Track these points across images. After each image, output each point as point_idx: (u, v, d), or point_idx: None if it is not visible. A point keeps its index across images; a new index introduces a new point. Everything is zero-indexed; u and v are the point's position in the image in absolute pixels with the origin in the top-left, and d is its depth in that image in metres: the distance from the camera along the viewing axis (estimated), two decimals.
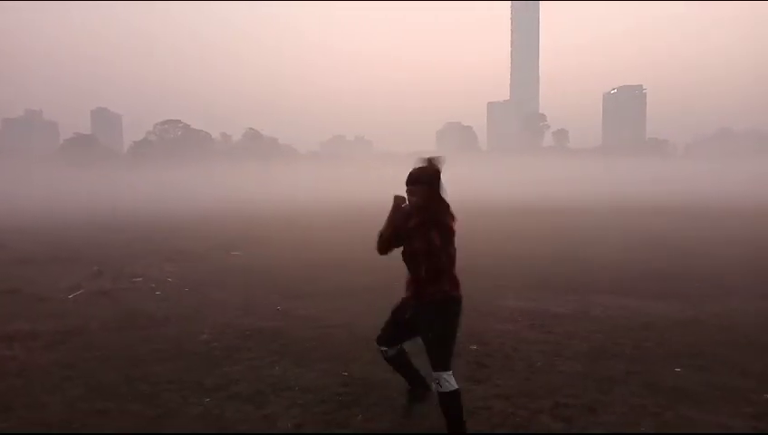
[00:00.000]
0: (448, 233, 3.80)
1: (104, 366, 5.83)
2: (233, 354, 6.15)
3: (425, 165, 3.92)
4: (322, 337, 6.76)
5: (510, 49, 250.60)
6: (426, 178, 3.86)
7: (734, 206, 33.40)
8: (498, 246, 15.46)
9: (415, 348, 4.44)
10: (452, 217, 3.86)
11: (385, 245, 4.08)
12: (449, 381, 3.84)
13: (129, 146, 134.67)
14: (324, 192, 63.36)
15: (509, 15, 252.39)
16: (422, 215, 3.86)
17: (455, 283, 3.93)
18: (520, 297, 8.68)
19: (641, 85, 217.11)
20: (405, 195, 3.97)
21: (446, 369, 3.84)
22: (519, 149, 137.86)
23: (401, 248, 4.07)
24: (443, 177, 3.91)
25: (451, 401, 3.84)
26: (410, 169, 3.93)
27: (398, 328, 4.25)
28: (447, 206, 3.87)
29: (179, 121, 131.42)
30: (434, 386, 3.90)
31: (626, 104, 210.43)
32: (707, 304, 8.19)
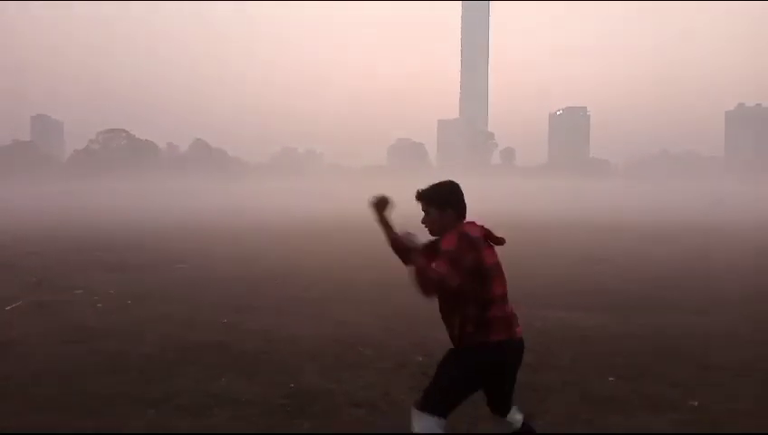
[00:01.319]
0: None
1: (42, 381, 5.69)
2: (176, 368, 6.09)
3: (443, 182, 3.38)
4: (268, 350, 6.77)
5: (460, 68, 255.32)
6: (434, 198, 3.30)
7: (670, 224, 34.82)
8: None
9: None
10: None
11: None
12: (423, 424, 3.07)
13: (71, 154, 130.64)
14: (273, 205, 62.82)
15: (459, 36, 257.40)
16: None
17: (485, 325, 3.15)
18: None
19: (585, 107, 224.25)
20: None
21: (428, 410, 3.09)
22: (468, 167, 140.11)
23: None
24: None
25: None
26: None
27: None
28: (457, 231, 3.18)
29: (123, 130, 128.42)
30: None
31: (570, 125, 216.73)
32: (641, 318, 8.57)
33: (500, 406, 3.36)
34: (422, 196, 3.30)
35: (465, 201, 3.33)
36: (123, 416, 4.80)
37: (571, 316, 8.62)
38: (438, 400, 3.10)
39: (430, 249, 3.24)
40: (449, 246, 3.05)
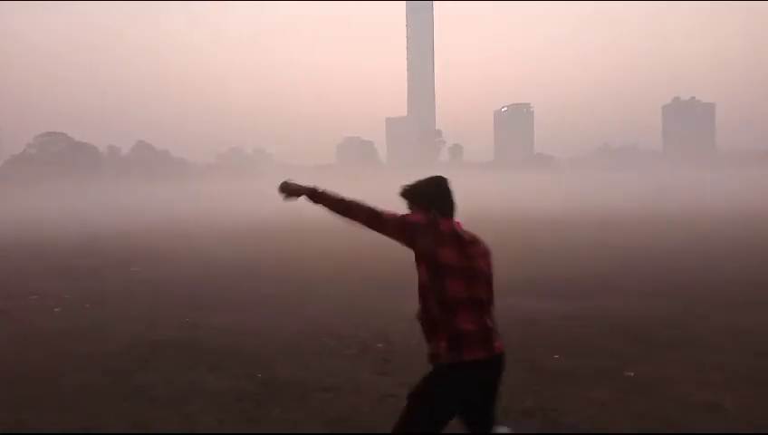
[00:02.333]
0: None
1: (13, 382, 5.80)
2: (145, 365, 6.28)
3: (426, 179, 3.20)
4: (235, 345, 7.01)
5: (407, 66, 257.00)
6: (415, 196, 3.15)
7: (613, 215, 36.23)
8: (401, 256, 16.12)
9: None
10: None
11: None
12: None
13: (6, 160, 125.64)
14: (222, 206, 62.09)
15: (405, 34, 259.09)
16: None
17: (458, 338, 2.89)
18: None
19: (529, 103, 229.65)
20: None
21: None
22: (417, 164, 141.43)
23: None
24: None
25: None
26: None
27: None
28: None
29: (62, 134, 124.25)
30: None
31: (515, 121, 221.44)
32: (589, 302, 9.17)
33: (479, 425, 3.06)
34: (405, 193, 3.15)
35: (453, 198, 3.11)
36: (99, 410, 4.98)
37: (520, 303, 9.13)
38: (413, 430, 2.84)
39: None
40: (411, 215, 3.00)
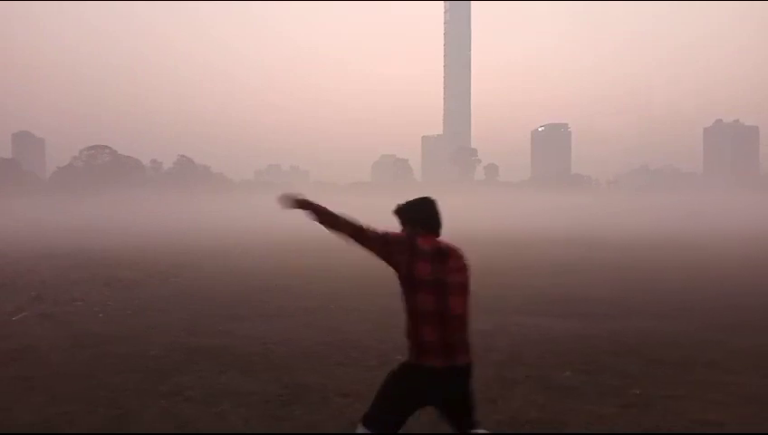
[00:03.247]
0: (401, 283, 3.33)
1: (62, 378, 6.35)
2: (182, 367, 6.77)
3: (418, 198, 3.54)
4: (264, 352, 7.46)
5: (443, 85, 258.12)
6: (404, 214, 3.49)
7: (646, 237, 35.88)
8: None
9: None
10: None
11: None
12: None
13: (53, 172, 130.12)
14: (259, 221, 63.28)
15: (442, 53, 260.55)
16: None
17: (420, 347, 3.25)
18: None
19: (566, 124, 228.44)
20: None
21: (364, 423, 3.25)
22: (452, 182, 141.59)
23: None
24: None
25: None
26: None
27: None
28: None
29: (107, 147, 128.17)
30: None
31: (552, 141, 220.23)
32: (606, 322, 9.38)
33: (460, 425, 3.38)
34: (396, 211, 3.50)
35: (438, 216, 3.43)
36: (138, 406, 5.47)
37: (542, 322, 9.39)
38: (374, 415, 3.21)
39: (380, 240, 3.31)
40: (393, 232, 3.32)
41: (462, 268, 3.38)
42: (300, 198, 3.41)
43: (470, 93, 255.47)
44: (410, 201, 3.51)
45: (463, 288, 3.35)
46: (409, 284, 3.24)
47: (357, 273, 15.33)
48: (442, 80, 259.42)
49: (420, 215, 3.44)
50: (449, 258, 3.34)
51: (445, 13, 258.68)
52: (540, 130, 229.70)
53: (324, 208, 3.38)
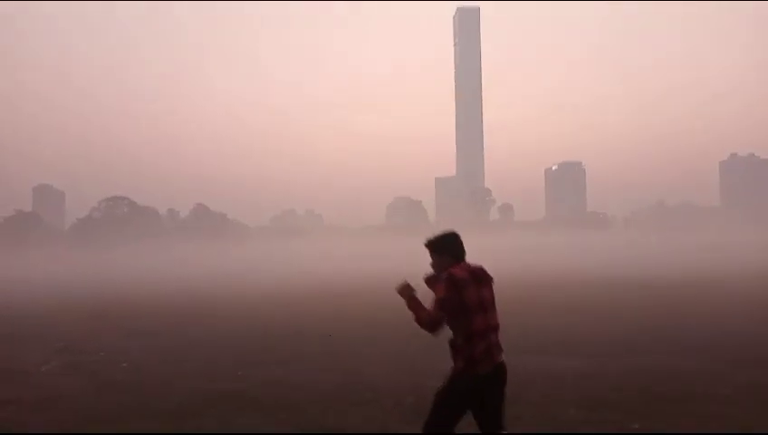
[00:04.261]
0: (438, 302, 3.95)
1: (90, 424, 6.73)
2: (201, 411, 7.13)
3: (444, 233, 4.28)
4: (280, 395, 7.80)
5: (455, 126, 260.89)
6: (436, 246, 4.21)
7: (661, 276, 35.81)
8: None
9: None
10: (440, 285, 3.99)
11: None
12: None
13: (72, 223, 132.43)
14: (275, 268, 63.86)
15: (454, 94, 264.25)
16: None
17: (471, 360, 3.92)
18: None
19: (581, 162, 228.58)
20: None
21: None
22: (467, 223, 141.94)
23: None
24: None
25: None
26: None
27: None
28: (445, 274, 4.01)
29: (125, 198, 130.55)
30: None
31: (567, 179, 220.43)
32: (613, 361, 9.61)
33: (492, 425, 4.02)
34: (427, 245, 4.22)
35: (462, 246, 4.19)
36: None
37: (547, 361, 9.65)
38: (430, 423, 3.95)
39: (434, 279, 4.11)
40: (439, 294, 3.92)
41: (490, 283, 4.15)
42: (410, 293, 4.08)
43: (482, 133, 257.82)
44: (439, 236, 4.26)
45: (494, 301, 4.13)
46: (461, 311, 3.92)
47: (371, 317, 15.64)
48: (454, 120, 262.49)
49: (449, 246, 4.19)
50: (483, 278, 4.10)
51: (455, 54, 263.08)
52: (554, 168, 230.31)
53: (419, 304, 4.03)
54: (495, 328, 4.05)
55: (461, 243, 4.22)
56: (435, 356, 10.10)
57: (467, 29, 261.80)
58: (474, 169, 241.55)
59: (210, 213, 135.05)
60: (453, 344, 3.97)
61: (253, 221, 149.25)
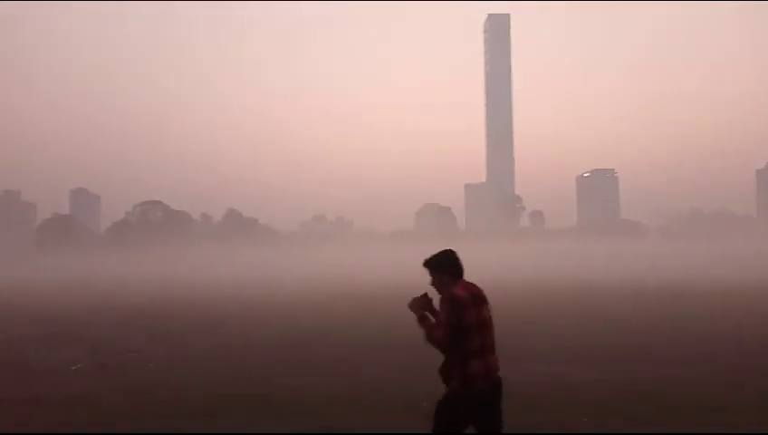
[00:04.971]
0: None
1: (113, 423, 7.03)
2: (220, 412, 7.39)
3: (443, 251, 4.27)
4: (297, 399, 8.02)
5: (485, 132, 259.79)
6: (435, 265, 4.20)
7: (691, 286, 35.22)
8: None
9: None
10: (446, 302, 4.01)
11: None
12: None
13: (108, 227, 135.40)
14: (304, 272, 64.46)
15: (484, 101, 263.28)
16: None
17: (467, 378, 3.96)
18: None
19: (613, 169, 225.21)
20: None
21: None
22: (496, 230, 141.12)
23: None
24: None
25: None
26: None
27: None
28: (447, 295, 4.03)
29: (159, 202, 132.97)
30: None
31: (599, 187, 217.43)
32: (626, 370, 9.65)
33: None
34: (426, 264, 4.22)
35: (461, 263, 4.18)
36: None
37: (563, 370, 9.70)
38: None
39: (420, 304, 4.15)
40: (443, 313, 3.96)
41: (486, 301, 4.13)
42: (421, 311, 4.13)
43: (513, 140, 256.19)
44: (437, 254, 4.26)
45: (491, 321, 4.13)
46: (460, 331, 3.92)
47: (393, 325, 15.78)
48: (484, 127, 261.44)
49: (449, 264, 4.18)
50: (480, 296, 4.10)
51: (485, 62, 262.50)
52: (585, 175, 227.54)
53: (430, 322, 4.08)
54: (492, 348, 4.07)
55: (459, 260, 4.22)
56: None
57: (498, 36, 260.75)
58: (504, 176, 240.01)
59: (242, 218, 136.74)
60: (449, 363, 3.99)
61: (283, 226, 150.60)
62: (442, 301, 4.01)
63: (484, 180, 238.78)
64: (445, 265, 4.16)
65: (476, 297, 4.05)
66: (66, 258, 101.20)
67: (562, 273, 58.27)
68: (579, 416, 6.97)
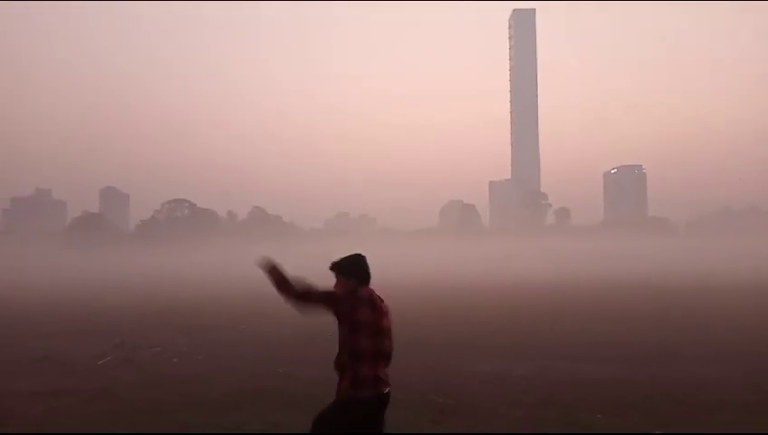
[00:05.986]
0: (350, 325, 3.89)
1: (136, 415, 7.22)
2: (242, 406, 7.55)
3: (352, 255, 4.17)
4: (318, 392, 8.10)
5: (510, 128, 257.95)
6: (341, 269, 4.09)
7: (720, 283, 34.65)
8: (479, 317, 16.83)
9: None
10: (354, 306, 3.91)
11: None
12: None
13: (136, 225, 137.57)
14: (326, 270, 64.82)
15: (509, 97, 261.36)
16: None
17: (356, 381, 3.83)
18: (490, 362, 10.07)
19: (641, 165, 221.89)
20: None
21: None
22: (521, 228, 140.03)
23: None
24: None
25: None
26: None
27: None
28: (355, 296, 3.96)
29: (186, 201, 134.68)
30: None
31: (626, 183, 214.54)
32: (645, 367, 9.61)
33: None
34: (332, 266, 4.12)
35: (368, 269, 4.08)
36: None
37: (582, 367, 9.69)
38: None
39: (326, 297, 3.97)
40: (335, 289, 3.97)
41: (388, 312, 4.05)
42: (271, 264, 4.08)
43: (538, 137, 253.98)
44: (345, 257, 4.16)
45: (390, 331, 4.01)
46: (351, 324, 3.86)
47: (410, 322, 15.86)
48: (509, 123, 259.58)
49: (356, 268, 4.08)
50: (381, 305, 4.01)
51: (510, 57, 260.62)
52: (612, 172, 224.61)
53: (282, 273, 4.04)
54: (386, 357, 3.96)
55: (368, 266, 4.11)
56: (467, 356, 10.29)
57: (523, 31, 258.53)
58: (529, 173, 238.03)
59: (267, 215, 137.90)
60: (339, 363, 3.91)
61: (307, 223, 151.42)
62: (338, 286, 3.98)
63: (509, 177, 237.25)
64: (352, 270, 4.06)
65: (377, 304, 3.96)
66: (95, 255, 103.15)
67: (589, 270, 57.66)
68: (595, 412, 6.97)
